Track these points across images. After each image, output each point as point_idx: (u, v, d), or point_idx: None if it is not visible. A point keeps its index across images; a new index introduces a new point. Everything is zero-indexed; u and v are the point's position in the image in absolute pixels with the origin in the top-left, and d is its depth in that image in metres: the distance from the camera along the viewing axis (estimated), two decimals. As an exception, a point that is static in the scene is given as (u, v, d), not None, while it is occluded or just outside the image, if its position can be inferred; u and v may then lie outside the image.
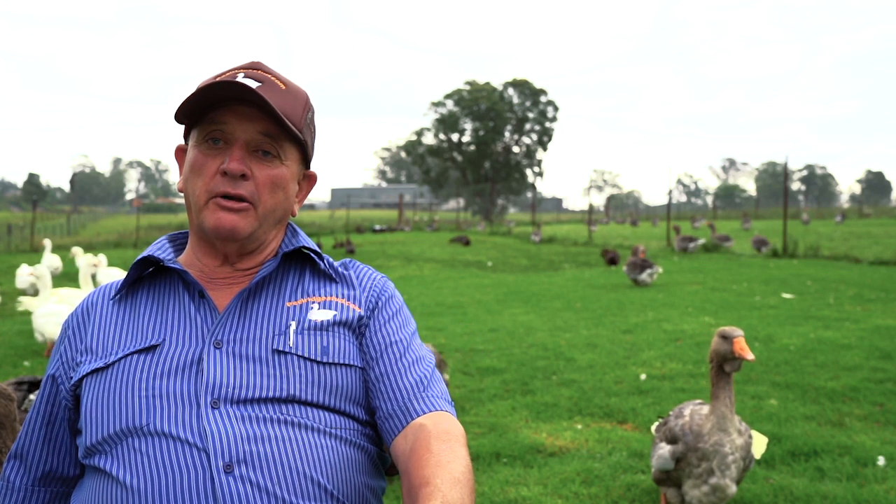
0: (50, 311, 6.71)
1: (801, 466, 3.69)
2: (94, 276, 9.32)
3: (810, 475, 3.57)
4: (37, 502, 1.33)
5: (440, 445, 1.13)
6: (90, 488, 1.19)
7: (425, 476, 1.07)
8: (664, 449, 2.95)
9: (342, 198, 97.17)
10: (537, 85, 60.88)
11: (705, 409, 2.97)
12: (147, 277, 1.34)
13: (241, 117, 1.24)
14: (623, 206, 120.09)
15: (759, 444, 3.06)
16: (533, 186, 64.01)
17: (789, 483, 3.45)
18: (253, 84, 1.22)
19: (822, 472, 3.61)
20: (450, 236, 25.98)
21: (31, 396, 3.16)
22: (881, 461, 3.69)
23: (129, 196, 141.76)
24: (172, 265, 1.28)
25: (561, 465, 3.77)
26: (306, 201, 1.60)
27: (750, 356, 2.75)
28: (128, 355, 1.22)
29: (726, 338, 2.81)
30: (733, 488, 2.82)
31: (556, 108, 60.97)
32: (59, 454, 1.32)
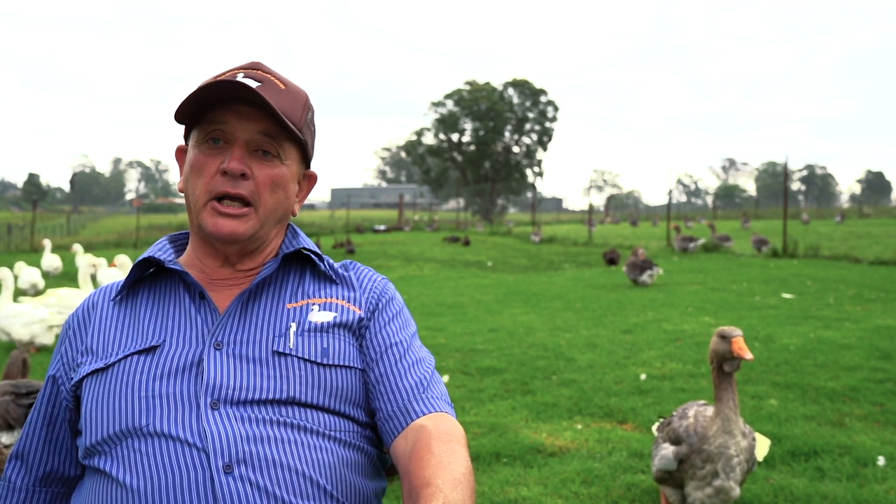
0: (11, 313, 6.72)
1: (801, 466, 3.69)
2: (93, 277, 9.32)
3: (810, 475, 3.57)
4: (38, 503, 1.33)
5: (441, 446, 1.13)
6: (90, 489, 1.19)
7: (426, 477, 1.07)
8: (667, 450, 2.94)
9: (342, 198, 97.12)
10: (537, 85, 60.89)
11: (709, 410, 2.96)
12: (148, 278, 1.34)
13: (241, 117, 1.24)
14: (623, 206, 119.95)
15: (762, 447, 3.06)
16: (533, 186, 63.99)
17: (789, 483, 3.45)
18: (253, 84, 1.22)
19: (822, 472, 3.60)
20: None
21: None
22: (881, 461, 3.69)
23: (129, 196, 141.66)
24: (173, 266, 1.28)
25: (561, 465, 3.77)
26: (306, 201, 1.60)
27: (748, 356, 2.74)
28: (128, 356, 1.22)
29: (725, 337, 2.81)
30: (737, 490, 2.81)
31: (555, 108, 60.96)
32: (59, 455, 1.32)
